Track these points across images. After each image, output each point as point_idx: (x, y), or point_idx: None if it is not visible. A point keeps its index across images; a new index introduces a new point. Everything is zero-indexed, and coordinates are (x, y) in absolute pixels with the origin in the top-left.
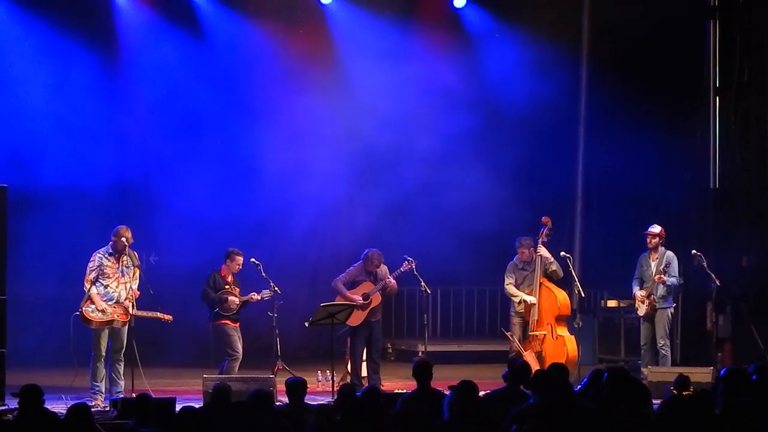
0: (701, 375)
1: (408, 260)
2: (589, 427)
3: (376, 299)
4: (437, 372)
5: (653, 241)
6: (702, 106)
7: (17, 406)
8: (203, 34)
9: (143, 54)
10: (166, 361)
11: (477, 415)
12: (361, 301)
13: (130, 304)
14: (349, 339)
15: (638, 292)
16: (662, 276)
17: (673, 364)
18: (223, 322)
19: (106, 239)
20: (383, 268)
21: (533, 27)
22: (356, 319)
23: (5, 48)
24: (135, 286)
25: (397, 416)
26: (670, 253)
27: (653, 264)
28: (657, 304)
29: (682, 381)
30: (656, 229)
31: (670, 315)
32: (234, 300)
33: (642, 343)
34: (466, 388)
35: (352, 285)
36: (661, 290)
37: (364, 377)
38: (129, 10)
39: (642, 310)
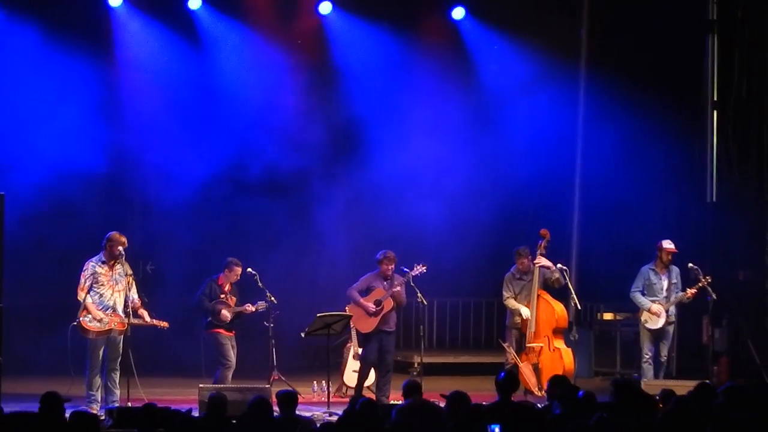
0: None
1: (406, 272)
2: None
3: (388, 305)
4: (433, 383)
5: (670, 258)
6: (700, 119)
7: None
8: (201, 43)
9: (140, 62)
10: (161, 369)
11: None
12: (373, 308)
13: (144, 312)
14: (360, 348)
15: (655, 306)
16: (692, 291)
17: (669, 376)
18: (217, 330)
19: (101, 247)
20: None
21: (532, 40)
22: (368, 325)
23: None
24: (136, 296)
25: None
26: (676, 268)
27: (664, 278)
28: (670, 319)
29: (667, 396)
30: (673, 245)
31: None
32: (226, 315)
33: (647, 357)
34: (459, 399)
35: (366, 293)
36: (673, 306)
37: (368, 386)
38: (126, 20)
39: (658, 323)
